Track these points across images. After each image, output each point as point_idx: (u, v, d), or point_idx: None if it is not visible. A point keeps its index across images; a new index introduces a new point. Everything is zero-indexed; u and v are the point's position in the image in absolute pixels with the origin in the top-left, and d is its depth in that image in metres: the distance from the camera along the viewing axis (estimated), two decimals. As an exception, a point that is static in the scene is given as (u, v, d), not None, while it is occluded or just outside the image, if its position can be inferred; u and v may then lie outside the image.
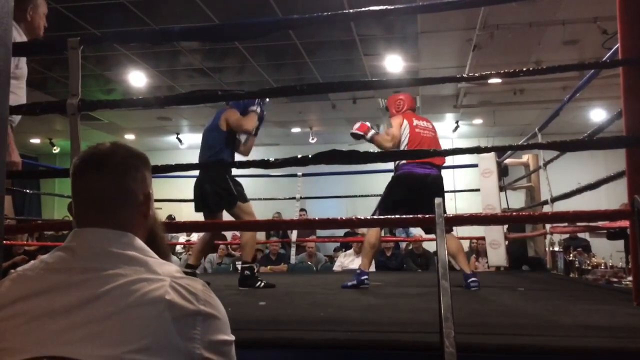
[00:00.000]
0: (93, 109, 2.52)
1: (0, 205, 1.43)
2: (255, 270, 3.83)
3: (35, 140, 10.82)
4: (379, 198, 3.85)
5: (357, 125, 3.85)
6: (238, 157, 3.90)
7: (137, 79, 7.31)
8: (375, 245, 3.64)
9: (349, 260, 6.22)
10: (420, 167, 3.65)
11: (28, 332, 0.88)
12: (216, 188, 3.75)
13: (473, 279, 3.43)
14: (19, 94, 2.57)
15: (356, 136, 3.84)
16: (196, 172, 3.98)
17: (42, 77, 7.12)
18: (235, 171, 4.23)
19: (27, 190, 6.78)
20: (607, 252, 5.37)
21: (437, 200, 1.68)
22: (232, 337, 1.01)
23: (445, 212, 3.29)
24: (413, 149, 3.60)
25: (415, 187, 3.59)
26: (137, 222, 1.07)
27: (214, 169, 3.83)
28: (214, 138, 3.88)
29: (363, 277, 3.54)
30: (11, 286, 0.96)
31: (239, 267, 6.44)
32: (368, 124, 3.88)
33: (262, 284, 3.66)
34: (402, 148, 3.68)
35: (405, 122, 3.80)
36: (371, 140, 3.82)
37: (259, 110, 3.84)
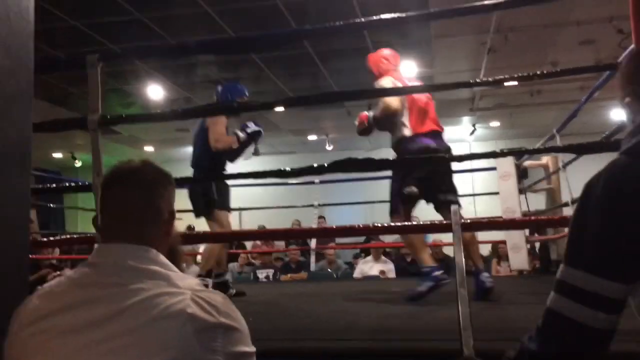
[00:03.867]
0: (113, 125, 2.58)
1: (25, 221, 1.48)
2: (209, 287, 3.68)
3: (58, 155, 11.01)
4: (391, 190, 3.35)
5: (357, 122, 3.50)
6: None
7: (155, 92, 7.42)
8: (417, 243, 3.12)
9: (368, 267, 6.21)
10: (432, 138, 3.15)
11: (55, 347, 0.91)
12: (195, 192, 3.66)
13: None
14: None
15: (364, 132, 3.48)
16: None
17: (64, 93, 7.27)
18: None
19: (51, 205, 6.90)
20: (631, 253, 5.28)
21: (454, 207, 1.69)
22: (252, 349, 1.03)
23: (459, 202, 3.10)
24: (418, 130, 3.16)
25: (432, 165, 3.07)
26: (161, 238, 1.10)
27: (200, 173, 3.77)
28: (197, 142, 3.81)
29: (435, 274, 2.95)
30: (38, 303, 0.99)
31: (260, 276, 6.49)
32: (364, 113, 3.49)
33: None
34: (403, 119, 3.19)
35: (398, 84, 3.32)
36: (375, 122, 3.38)
37: (241, 137, 3.70)
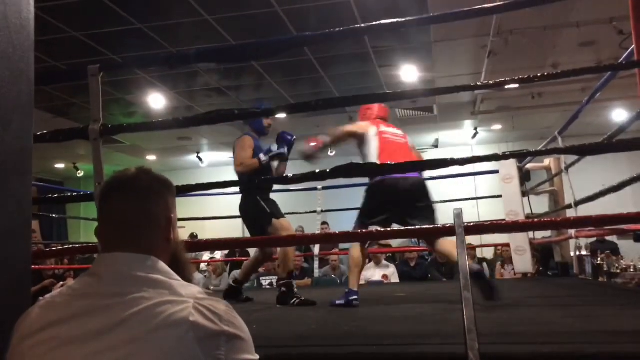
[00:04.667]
0: (114, 134, 2.58)
1: (27, 231, 1.47)
2: (294, 287, 3.72)
3: (60, 165, 11.04)
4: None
5: (310, 147, 3.70)
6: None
7: (157, 101, 7.44)
8: (359, 264, 3.42)
9: (370, 273, 6.19)
10: (401, 172, 3.28)
11: (58, 358, 0.91)
12: (250, 214, 3.82)
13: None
14: None
15: (310, 157, 3.67)
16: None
17: (66, 104, 7.30)
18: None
19: (54, 215, 6.91)
20: (636, 254, 5.25)
21: (457, 210, 1.68)
22: (256, 357, 1.02)
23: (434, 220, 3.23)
24: (389, 158, 3.35)
25: (393, 194, 3.30)
26: (161, 245, 1.09)
27: (245, 195, 3.87)
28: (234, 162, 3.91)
29: (352, 298, 3.29)
30: (40, 313, 0.99)
31: (263, 282, 6.48)
32: (319, 138, 3.69)
33: (297, 301, 3.55)
34: (373, 158, 3.41)
35: (372, 127, 3.53)
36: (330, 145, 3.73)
37: (263, 160, 3.79)
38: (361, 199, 3.49)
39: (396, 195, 3.29)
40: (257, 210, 3.78)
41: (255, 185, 3.78)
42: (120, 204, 1.08)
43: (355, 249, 3.41)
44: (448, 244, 3.07)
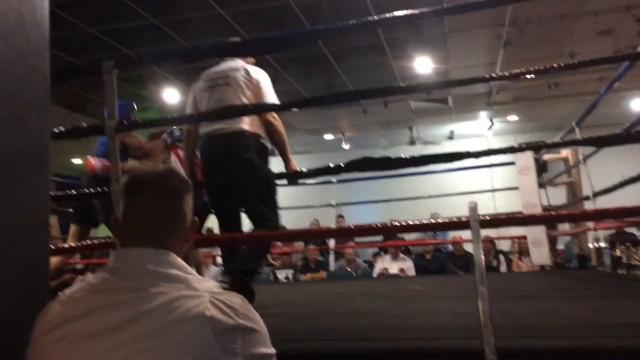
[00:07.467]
0: (130, 130, 2.60)
1: (44, 227, 1.49)
2: None
3: (77, 161, 11.16)
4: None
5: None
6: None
7: (171, 96, 7.47)
8: None
9: (387, 266, 6.19)
10: None
11: (77, 352, 0.92)
12: None
13: None
14: None
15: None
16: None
17: (81, 99, 7.37)
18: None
19: (71, 210, 6.98)
20: (656, 246, 5.17)
21: (471, 203, 1.67)
22: (272, 350, 1.03)
23: None
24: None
25: None
26: (180, 244, 1.11)
27: None
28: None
29: None
30: (60, 308, 1.00)
31: (279, 276, 6.51)
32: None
33: None
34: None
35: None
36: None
37: (169, 141, 4.10)
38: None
39: None
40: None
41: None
42: (156, 199, 1.09)
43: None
44: None
